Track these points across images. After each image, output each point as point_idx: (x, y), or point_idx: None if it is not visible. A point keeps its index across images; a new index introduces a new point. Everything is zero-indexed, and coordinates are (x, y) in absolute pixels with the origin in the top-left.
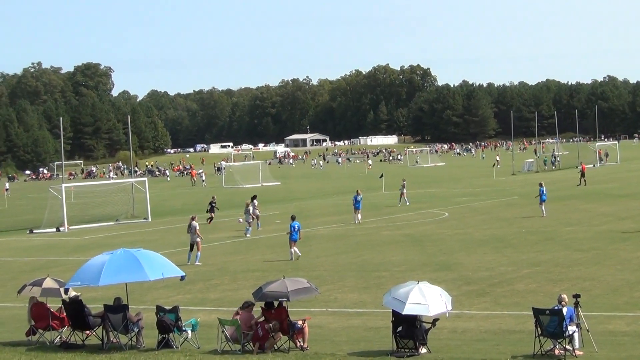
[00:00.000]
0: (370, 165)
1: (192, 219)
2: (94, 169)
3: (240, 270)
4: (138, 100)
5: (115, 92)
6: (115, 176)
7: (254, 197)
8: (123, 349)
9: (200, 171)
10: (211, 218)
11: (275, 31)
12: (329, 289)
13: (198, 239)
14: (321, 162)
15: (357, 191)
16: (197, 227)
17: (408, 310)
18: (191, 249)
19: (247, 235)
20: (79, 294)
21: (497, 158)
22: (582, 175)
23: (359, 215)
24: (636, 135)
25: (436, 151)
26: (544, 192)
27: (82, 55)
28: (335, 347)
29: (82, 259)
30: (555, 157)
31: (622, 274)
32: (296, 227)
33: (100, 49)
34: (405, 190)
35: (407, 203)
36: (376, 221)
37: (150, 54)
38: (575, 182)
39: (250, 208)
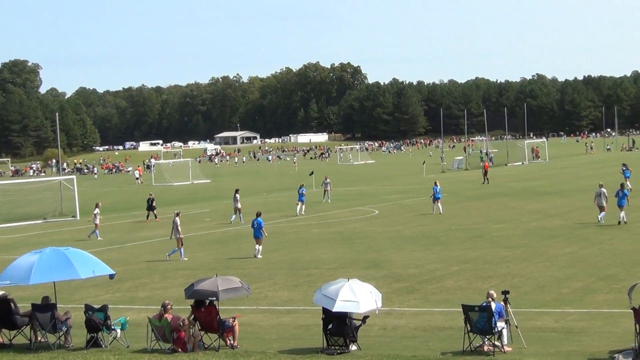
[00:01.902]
0: (295, 163)
1: (176, 215)
2: (17, 166)
3: (170, 268)
4: (66, 97)
5: (43, 90)
6: (43, 174)
7: (236, 191)
8: (51, 349)
9: (129, 169)
10: (153, 215)
11: (205, 28)
12: (260, 286)
13: (179, 235)
14: (243, 159)
15: (301, 185)
16: (178, 224)
17: (338, 307)
18: (178, 245)
19: (231, 221)
20: (7, 293)
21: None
22: (485, 174)
23: (303, 208)
24: (562, 133)
25: (366, 149)
26: (437, 190)
27: (9, 51)
28: (266, 345)
29: (9, 258)
30: (487, 154)
31: (550, 270)
32: (254, 224)
33: (28, 46)
34: (329, 188)
35: (329, 200)
36: (306, 219)
37: (78, 51)
38: (503, 181)
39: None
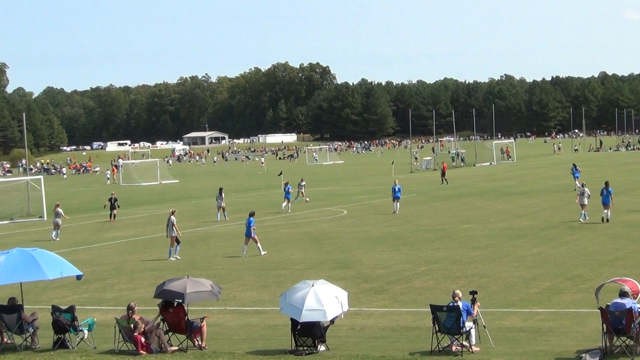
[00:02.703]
0: (262, 163)
1: (172, 213)
2: None
3: (138, 269)
4: (34, 97)
5: (10, 89)
6: (10, 174)
7: (220, 190)
8: (18, 350)
9: (96, 169)
10: (113, 215)
11: (173, 28)
12: (228, 287)
13: (174, 234)
14: (214, 159)
15: (286, 183)
16: (175, 222)
17: (305, 317)
18: (171, 244)
19: (218, 219)
20: None
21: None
22: (443, 174)
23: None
24: (530, 134)
25: (335, 149)
26: (396, 190)
27: None
28: (234, 345)
29: None
30: (458, 155)
31: (518, 270)
32: (246, 223)
33: None
34: (303, 190)
35: (295, 201)
36: (275, 219)
37: (46, 50)
38: (471, 181)
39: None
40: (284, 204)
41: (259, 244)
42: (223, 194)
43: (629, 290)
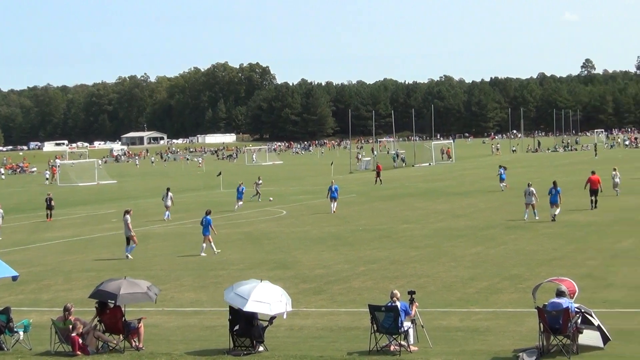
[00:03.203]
0: (200, 163)
1: (126, 212)
2: None
3: (75, 270)
4: None
5: None
6: None
7: (168, 189)
8: None
9: (33, 169)
10: (50, 215)
11: (112, 27)
12: (166, 288)
13: (131, 233)
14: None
15: (241, 183)
16: (129, 221)
17: (250, 307)
18: (127, 243)
19: (165, 218)
20: None
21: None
22: (378, 174)
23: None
24: (468, 134)
25: (275, 149)
26: (332, 189)
27: None
28: (171, 346)
29: None
30: (398, 155)
31: (456, 270)
32: (203, 222)
33: None
34: (259, 188)
35: (251, 199)
36: (215, 219)
37: None
38: (410, 181)
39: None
40: (239, 204)
41: (212, 244)
42: (170, 194)
43: (565, 290)
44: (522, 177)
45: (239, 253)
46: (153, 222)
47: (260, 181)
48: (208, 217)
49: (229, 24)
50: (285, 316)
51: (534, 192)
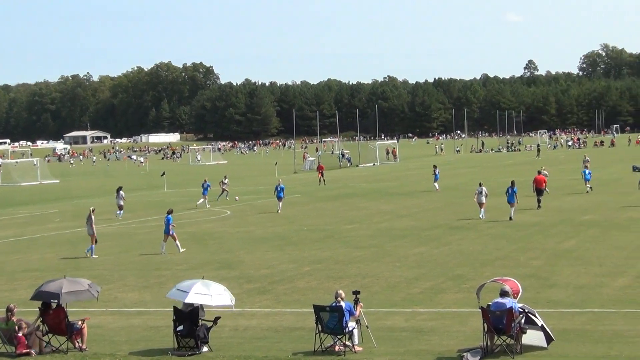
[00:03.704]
0: (142, 163)
1: (92, 211)
2: None
3: (19, 270)
4: None
5: None
6: None
7: (120, 188)
8: None
9: None
10: None
11: (54, 26)
12: (109, 288)
13: (93, 232)
14: (93, 158)
15: (205, 180)
16: (93, 220)
17: (191, 298)
18: (92, 242)
19: (117, 216)
20: None
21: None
22: (321, 175)
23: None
24: (411, 135)
25: (219, 149)
26: (279, 189)
27: None
28: (115, 347)
29: None
30: (343, 155)
31: (400, 270)
32: (165, 221)
33: None
34: (227, 187)
35: (227, 198)
36: (158, 219)
37: None
38: (354, 181)
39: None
40: (200, 201)
41: (177, 242)
42: (122, 192)
43: (509, 290)
44: (466, 178)
45: (183, 253)
46: (96, 222)
47: (227, 180)
48: (169, 216)
49: (172, 23)
50: (232, 306)
51: (485, 191)
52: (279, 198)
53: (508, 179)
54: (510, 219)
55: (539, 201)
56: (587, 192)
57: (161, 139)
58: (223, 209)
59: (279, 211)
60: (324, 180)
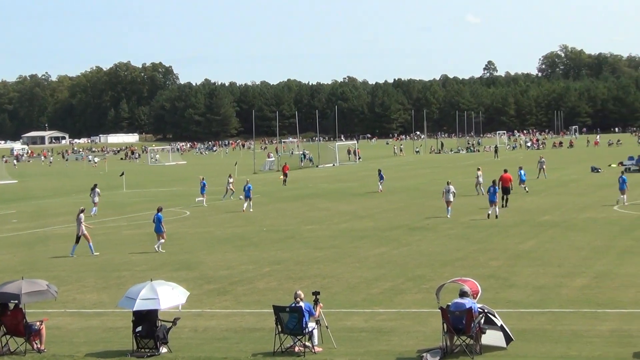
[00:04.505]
0: (95, 164)
1: (81, 211)
2: None
3: None
4: None
5: None
6: None
7: (95, 185)
8: None
9: None
10: None
11: (13, 25)
12: (68, 289)
13: (85, 232)
14: (50, 159)
15: (202, 178)
16: (82, 219)
17: (138, 306)
18: (77, 241)
19: (92, 214)
20: None
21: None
22: (285, 175)
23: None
24: (369, 135)
25: (178, 149)
26: (246, 188)
27: None
28: (74, 348)
29: None
30: (305, 155)
31: (360, 271)
32: (154, 219)
33: None
34: (232, 186)
35: (223, 199)
36: (117, 220)
37: None
38: (314, 182)
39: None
40: (199, 199)
41: (162, 241)
42: (97, 190)
43: (468, 290)
44: (426, 179)
45: (142, 254)
46: (54, 223)
47: (232, 179)
48: (159, 214)
49: (131, 23)
50: (180, 308)
51: (453, 190)
52: (247, 197)
53: (468, 179)
54: (496, 217)
55: (506, 200)
56: (527, 191)
57: (120, 140)
58: (182, 210)
59: (251, 209)
60: (285, 181)
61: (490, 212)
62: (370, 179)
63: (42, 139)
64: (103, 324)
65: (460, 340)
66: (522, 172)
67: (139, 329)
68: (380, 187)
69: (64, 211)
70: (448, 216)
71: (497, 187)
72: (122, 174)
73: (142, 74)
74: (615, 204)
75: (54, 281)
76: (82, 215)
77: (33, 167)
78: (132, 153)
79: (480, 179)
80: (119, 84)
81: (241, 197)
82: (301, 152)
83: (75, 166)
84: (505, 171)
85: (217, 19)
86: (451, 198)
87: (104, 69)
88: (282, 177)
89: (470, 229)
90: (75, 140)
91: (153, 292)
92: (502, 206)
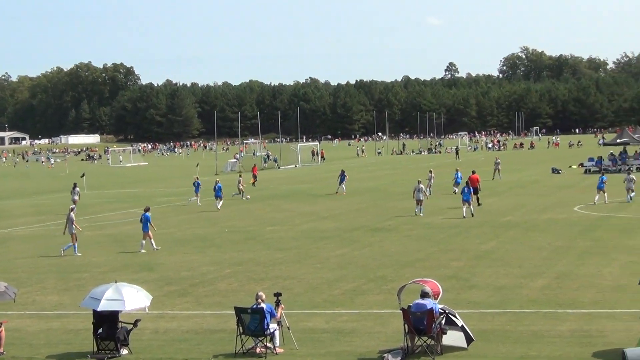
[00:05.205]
0: (51, 165)
1: (71, 210)
2: None
3: None
4: None
5: None
6: None
7: (75, 185)
8: None
9: None
10: None
11: None
12: (28, 291)
13: (74, 231)
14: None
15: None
16: (73, 219)
17: (103, 306)
18: (72, 241)
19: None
20: None
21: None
22: (254, 177)
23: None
24: (330, 136)
25: (140, 150)
26: (216, 188)
27: None
28: (34, 350)
29: None
30: (269, 156)
31: (321, 272)
32: (142, 219)
33: None
34: (242, 186)
35: (233, 196)
36: (78, 221)
37: None
38: (277, 183)
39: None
40: (193, 199)
41: (152, 240)
42: (77, 189)
43: (429, 291)
44: (388, 180)
45: (103, 255)
46: (14, 225)
47: (241, 177)
48: (147, 213)
49: (92, 23)
50: (146, 309)
51: (424, 189)
52: (218, 197)
53: (427, 181)
54: (472, 215)
55: (477, 199)
56: (455, 192)
57: (81, 140)
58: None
59: (218, 207)
60: (253, 183)
61: (465, 212)
62: (332, 180)
63: (2, 140)
64: (63, 326)
65: (421, 340)
66: (459, 174)
67: (100, 330)
68: (342, 189)
69: (23, 212)
70: (421, 214)
71: (471, 188)
72: (83, 175)
73: (104, 75)
74: (593, 204)
75: (14, 283)
76: (72, 214)
77: None
78: (92, 157)
79: (432, 181)
80: (80, 85)
81: (234, 194)
82: (265, 154)
83: (36, 167)
84: (474, 172)
85: (178, 19)
86: (422, 197)
87: (65, 70)
88: (252, 179)
89: (431, 230)
90: (36, 141)
91: (118, 293)
92: (477, 205)
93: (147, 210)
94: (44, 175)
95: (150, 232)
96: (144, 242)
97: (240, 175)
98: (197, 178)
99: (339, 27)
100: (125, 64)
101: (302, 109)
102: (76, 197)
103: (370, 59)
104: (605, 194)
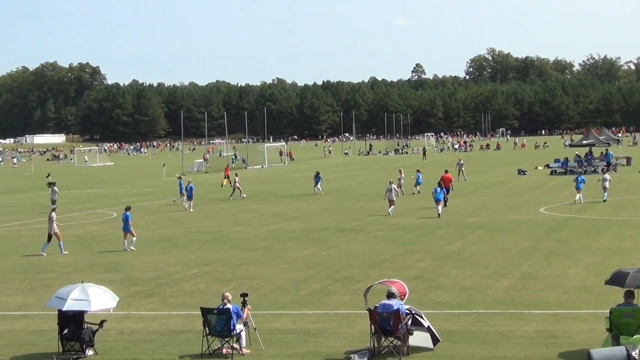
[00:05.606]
0: (14, 165)
1: (53, 210)
2: None
3: None
4: None
5: None
6: None
7: (53, 184)
8: None
9: None
10: None
11: None
12: None
13: (57, 230)
14: None
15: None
16: (54, 218)
17: (68, 306)
18: (48, 240)
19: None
20: None
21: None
22: (226, 177)
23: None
24: (296, 137)
25: (105, 150)
26: (188, 188)
27: None
28: None
29: None
30: (237, 156)
31: (288, 272)
32: (123, 218)
33: None
34: (238, 185)
35: (231, 198)
36: (43, 221)
37: None
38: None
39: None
40: (177, 198)
41: (134, 238)
42: (55, 188)
43: (396, 292)
44: (354, 180)
45: (68, 256)
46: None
47: (238, 178)
48: (127, 213)
49: (58, 22)
50: (111, 311)
51: (396, 189)
52: (189, 197)
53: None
54: (439, 216)
55: (445, 200)
56: (414, 193)
57: (47, 140)
58: (109, 211)
59: (189, 210)
60: (223, 184)
61: (440, 210)
62: (300, 180)
63: None
64: (28, 327)
65: (387, 341)
66: (419, 174)
67: (65, 331)
68: (318, 189)
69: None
70: (389, 213)
71: (443, 188)
72: (48, 175)
73: (69, 74)
74: (573, 203)
75: None
76: (53, 214)
77: None
78: (58, 157)
79: (402, 181)
80: (46, 84)
81: (232, 194)
82: (233, 154)
83: (0, 167)
84: (446, 172)
85: (145, 19)
86: (393, 197)
87: (30, 69)
88: (226, 181)
89: (398, 231)
90: (1, 140)
91: (84, 293)
92: (444, 205)
93: (128, 209)
94: (10, 175)
95: (132, 231)
96: (125, 241)
97: (236, 175)
98: (180, 177)
99: (306, 27)
100: (92, 63)
101: (269, 110)
102: (55, 197)
103: (338, 60)
104: (580, 194)
